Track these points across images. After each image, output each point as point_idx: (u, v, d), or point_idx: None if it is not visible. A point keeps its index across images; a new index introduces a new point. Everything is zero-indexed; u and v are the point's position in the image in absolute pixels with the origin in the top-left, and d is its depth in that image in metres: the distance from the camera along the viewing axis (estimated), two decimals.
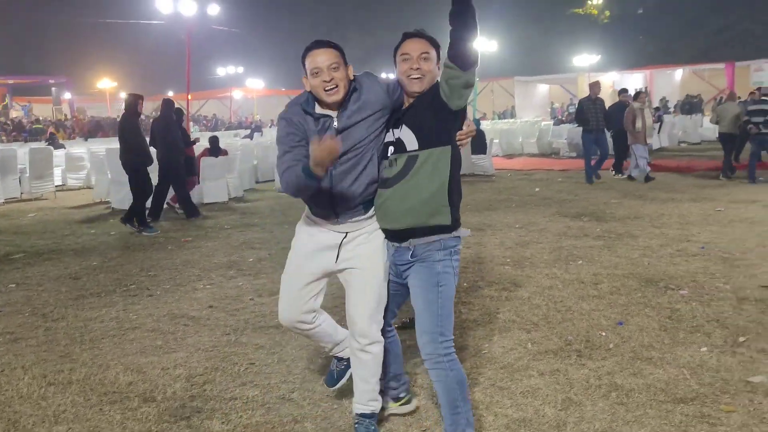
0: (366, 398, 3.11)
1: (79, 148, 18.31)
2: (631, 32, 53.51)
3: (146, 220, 9.09)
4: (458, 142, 2.86)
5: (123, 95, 47.83)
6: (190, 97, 19.16)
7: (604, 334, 4.37)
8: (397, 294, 3.07)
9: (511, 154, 21.20)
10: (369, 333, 3.00)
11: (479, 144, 15.30)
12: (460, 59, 2.64)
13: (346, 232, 3.00)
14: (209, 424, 3.33)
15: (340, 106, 2.85)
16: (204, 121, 39.01)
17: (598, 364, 3.88)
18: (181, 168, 9.95)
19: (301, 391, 3.69)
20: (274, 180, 14.03)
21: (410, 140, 2.81)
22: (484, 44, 33.00)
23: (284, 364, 4.09)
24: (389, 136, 2.90)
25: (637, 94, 13.15)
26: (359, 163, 2.87)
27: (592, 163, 12.88)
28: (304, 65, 2.87)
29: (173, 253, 7.58)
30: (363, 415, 3.12)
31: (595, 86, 13.01)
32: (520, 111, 40.51)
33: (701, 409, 3.27)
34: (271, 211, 10.69)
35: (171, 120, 9.91)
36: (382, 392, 3.22)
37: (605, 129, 12.99)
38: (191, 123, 22.70)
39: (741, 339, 4.17)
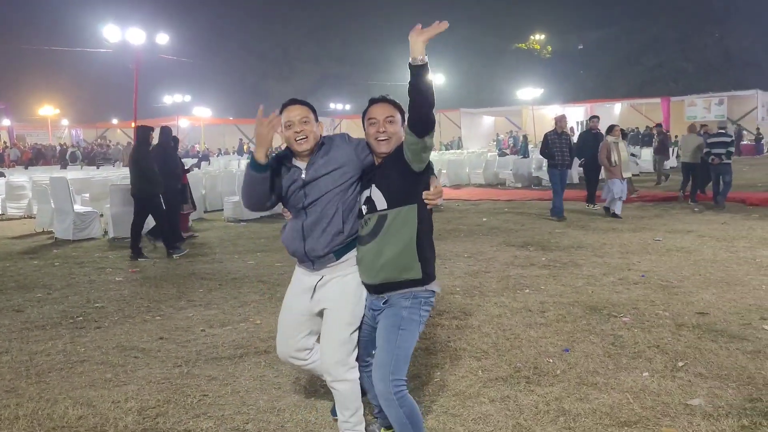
0: (345, 427, 3.26)
1: (19, 177, 17.82)
2: (572, 67, 55.33)
3: (173, 243, 9.33)
4: (426, 202, 3.02)
5: (65, 122, 47.01)
6: (134, 125, 18.89)
7: (551, 360, 4.51)
8: (372, 339, 3.16)
9: (459, 184, 21.56)
10: (332, 371, 3.16)
11: None
12: (416, 127, 2.79)
13: (322, 275, 3.21)
14: None
15: (310, 160, 3.16)
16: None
17: (547, 390, 4.00)
18: (178, 195, 10.06)
19: (256, 422, 3.69)
20: (222, 209, 13.94)
21: (380, 200, 3.01)
22: (431, 76, 33.68)
23: (238, 395, 4.09)
24: (363, 196, 3.11)
25: (611, 127, 12.46)
26: (325, 216, 3.11)
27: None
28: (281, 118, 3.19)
29: (121, 284, 7.45)
30: None
31: (561, 120, 12.35)
32: (467, 142, 41.31)
33: None
34: (221, 241, 10.62)
35: (169, 147, 10.07)
36: (375, 416, 3.44)
37: (571, 162, 12.42)
38: None
39: (680, 363, 4.37)
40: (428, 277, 3.03)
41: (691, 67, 50.34)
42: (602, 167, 12.56)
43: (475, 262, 8.11)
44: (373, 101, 3.11)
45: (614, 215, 11.87)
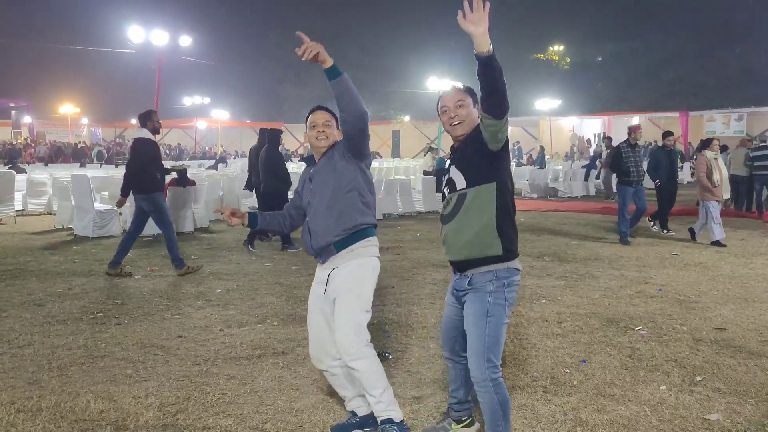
0: (379, 409, 3.39)
1: (40, 173, 18.03)
2: (589, 79, 55.11)
3: (289, 239, 9.92)
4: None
5: (85, 121, 47.44)
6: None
7: (568, 371, 4.52)
8: (457, 326, 3.29)
9: None
10: (350, 350, 3.31)
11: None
12: (494, 110, 2.86)
13: (333, 267, 3.45)
14: None
15: (320, 159, 3.55)
16: (167, 151, 38.74)
17: (564, 400, 4.01)
18: (285, 199, 9.97)
19: (274, 422, 3.73)
20: None
21: (459, 180, 3.13)
22: (449, 85, 33.67)
23: (257, 394, 4.13)
24: (444, 178, 3.28)
25: (708, 141, 10.89)
26: (324, 209, 3.42)
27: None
28: (306, 122, 3.58)
29: (140, 282, 7.53)
30: (384, 421, 3.39)
31: (636, 130, 10.73)
32: None
33: None
34: (237, 242, 10.68)
35: (278, 153, 10.38)
36: (446, 413, 3.58)
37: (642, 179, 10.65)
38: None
39: (698, 378, 4.36)
40: (510, 253, 3.12)
41: (710, 81, 49.97)
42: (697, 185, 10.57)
43: None
44: (444, 93, 3.27)
45: (717, 243, 9.97)
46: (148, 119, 7.78)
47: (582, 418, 3.74)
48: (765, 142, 14.84)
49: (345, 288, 3.38)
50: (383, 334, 5.44)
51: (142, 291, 7.04)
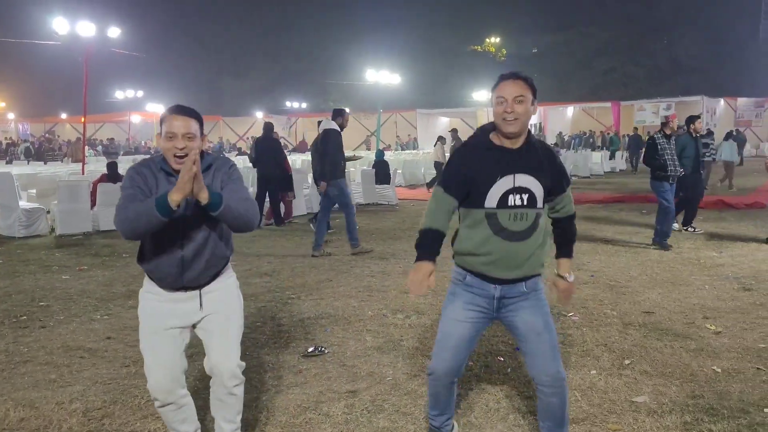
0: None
1: None
2: (526, 70, 55.74)
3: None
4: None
5: (11, 116, 45.59)
6: (83, 120, 18.51)
7: (502, 359, 4.57)
8: (474, 336, 3.01)
9: (414, 184, 21.64)
10: (237, 373, 3.04)
11: (383, 174, 15.62)
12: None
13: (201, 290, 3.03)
14: None
15: None
16: (102, 145, 37.54)
17: (497, 388, 4.05)
18: (281, 182, 11.58)
19: (204, 423, 3.63)
20: None
21: (537, 189, 2.85)
22: (388, 77, 33.73)
23: None
24: (507, 183, 2.82)
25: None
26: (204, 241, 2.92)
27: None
28: (161, 125, 2.85)
29: (67, 282, 7.26)
30: None
31: (672, 118, 9.62)
32: (422, 142, 41.51)
33: (591, 429, 3.49)
34: None
35: (272, 140, 11.75)
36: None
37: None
38: (86, 147, 21.81)
39: (626, 362, 4.47)
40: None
41: (641, 72, 51.57)
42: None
43: None
44: (503, 77, 2.87)
45: None
46: (339, 115, 8.95)
47: (515, 406, 3.78)
48: (708, 128, 15.27)
49: (226, 306, 3.05)
50: (320, 328, 5.38)
51: (69, 292, 6.78)
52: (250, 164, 12.54)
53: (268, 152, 11.48)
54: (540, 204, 2.87)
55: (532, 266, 2.90)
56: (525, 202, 2.82)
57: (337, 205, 8.97)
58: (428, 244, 2.91)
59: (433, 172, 20.46)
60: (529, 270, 2.90)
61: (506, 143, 2.85)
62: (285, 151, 13.01)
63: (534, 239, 2.86)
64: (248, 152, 20.01)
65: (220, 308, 3.03)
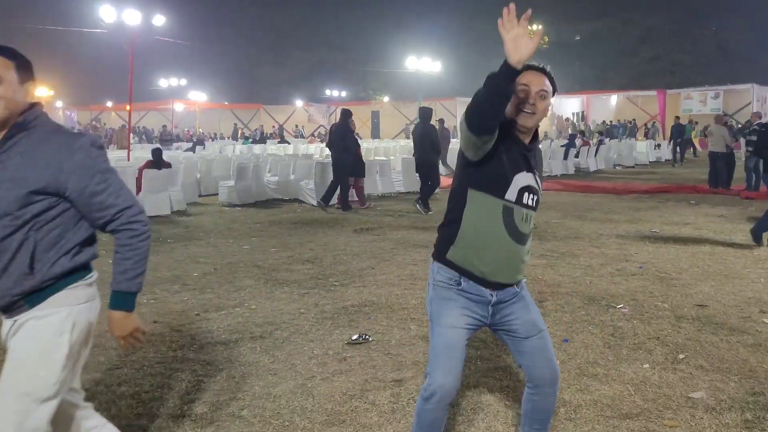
0: None
1: None
2: (568, 58, 55.14)
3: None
4: None
5: (59, 104, 46.59)
6: (129, 107, 18.76)
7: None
8: (465, 343, 2.68)
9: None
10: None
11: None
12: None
13: (15, 320, 2.32)
14: None
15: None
16: (153, 134, 38.17)
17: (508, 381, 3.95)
18: (350, 166, 12.10)
19: (251, 408, 3.63)
20: (218, 194, 13.84)
21: (538, 192, 2.68)
22: (428, 65, 33.50)
23: (233, 380, 4.02)
24: (526, 178, 2.60)
25: None
26: (5, 249, 2.20)
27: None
28: None
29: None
30: None
31: None
32: None
33: (646, 425, 3.37)
34: (215, 225, 10.53)
35: (347, 127, 12.26)
36: None
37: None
38: (131, 135, 22.17)
39: (681, 356, 4.33)
40: None
41: (687, 59, 50.23)
42: None
43: None
44: (530, 67, 2.54)
45: None
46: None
47: (565, 399, 3.69)
48: (762, 119, 14.95)
49: (18, 358, 2.26)
50: (364, 316, 5.35)
51: None
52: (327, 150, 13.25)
53: (339, 138, 11.93)
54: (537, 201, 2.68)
55: (524, 270, 2.72)
56: (534, 204, 2.64)
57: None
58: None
59: None
60: (523, 274, 2.72)
61: (520, 136, 2.60)
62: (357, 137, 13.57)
63: (529, 244, 2.70)
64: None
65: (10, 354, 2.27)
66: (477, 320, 2.66)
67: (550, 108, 2.66)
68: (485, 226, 2.57)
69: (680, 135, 24.24)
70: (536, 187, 2.64)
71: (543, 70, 2.59)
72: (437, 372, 2.60)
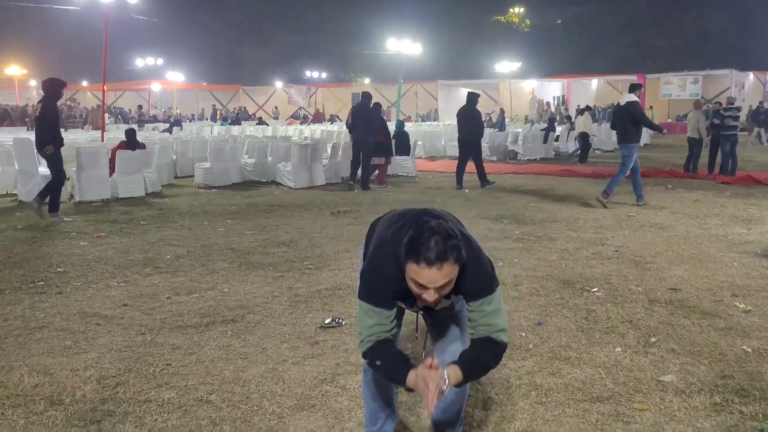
0: None
1: None
2: (549, 42, 55.16)
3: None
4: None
5: (33, 83, 45.69)
6: (105, 87, 18.46)
7: (523, 334, 4.45)
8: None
9: (434, 156, 21.43)
10: None
11: (403, 146, 15.44)
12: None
13: None
14: (122, 428, 3.18)
15: None
16: (129, 114, 37.59)
17: (519, 364, 3.94)
18: (372, 148, 12.63)
19: (220, 392, 3.57)
20: (193, 176, 13.68)
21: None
22: (409, 47, 33.27)
23: (202, 365, 3.96)
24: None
25: None
26: None
27: None
28: None
29: (85, 249, 7.23)
30: None
31: None
32: (443, 114, 41.10)
33: (616, 408, 3.37)
34: (190, 207, 10.39)
35: (374, 109, 13.00)
36: None
37: None
38: (107, 115, 21.80)
39: (652, 339, 4.33)
40: None
41: (668, 45, 50.44)
42: None
43: None
44: (427, 261, 2.27)
45: None
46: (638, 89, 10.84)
47: (537, 382, 3.67)
48: (733, 104, 14.97)
49: None
50: (338, 299, 5.30)
51: (87, 258, 6.75)
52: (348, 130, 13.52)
53: (362, 120, 12.47)
54: None
55: None
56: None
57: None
58: None
59: (454, 144, 20.12)
60: None
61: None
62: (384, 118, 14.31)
63: None
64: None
65: None
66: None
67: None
68: None
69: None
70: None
71: (442, 259, 2.28)
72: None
